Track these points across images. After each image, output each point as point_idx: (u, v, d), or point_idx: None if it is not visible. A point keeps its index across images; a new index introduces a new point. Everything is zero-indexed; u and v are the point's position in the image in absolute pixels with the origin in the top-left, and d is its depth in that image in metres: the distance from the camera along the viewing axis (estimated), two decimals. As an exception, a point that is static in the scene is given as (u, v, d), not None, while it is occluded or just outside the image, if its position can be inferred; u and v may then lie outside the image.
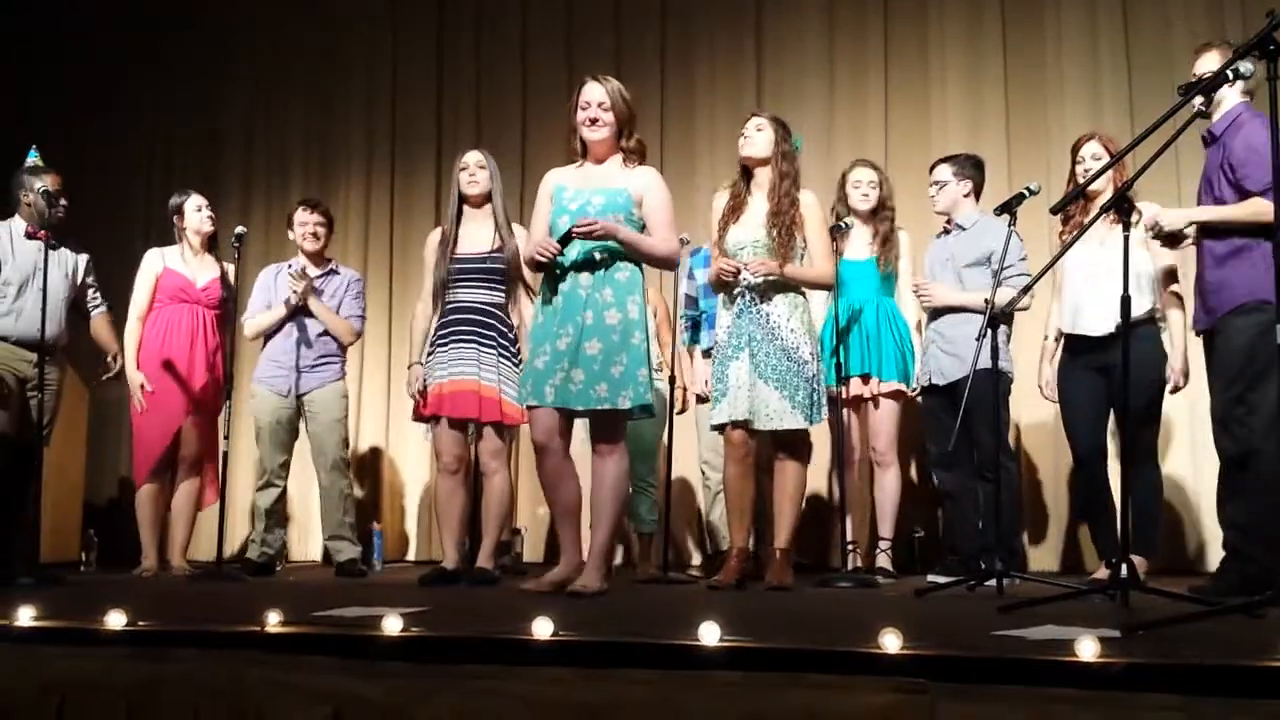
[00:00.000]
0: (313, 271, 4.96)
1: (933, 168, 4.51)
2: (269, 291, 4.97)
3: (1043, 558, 5.14)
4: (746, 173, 4.03)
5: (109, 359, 4.73)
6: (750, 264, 3.86)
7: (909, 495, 5.40)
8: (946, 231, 4.45)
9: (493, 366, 4.12)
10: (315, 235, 4.95)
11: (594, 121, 3.55)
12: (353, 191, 6.62)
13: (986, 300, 3.63)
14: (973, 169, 4.44)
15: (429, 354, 4.22)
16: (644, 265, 3.58)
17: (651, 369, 3.57)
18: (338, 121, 6.75)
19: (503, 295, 4.21)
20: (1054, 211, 3.54)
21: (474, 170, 4.25)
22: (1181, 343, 3.92)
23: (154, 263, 4.84)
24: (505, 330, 4.18)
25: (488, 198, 4.26)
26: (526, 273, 4.11)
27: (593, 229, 3.40)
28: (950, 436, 3.93)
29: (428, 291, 4.28)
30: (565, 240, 3.44)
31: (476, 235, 4.23)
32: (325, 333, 4.91)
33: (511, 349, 4.18)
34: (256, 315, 4.91)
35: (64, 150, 6.16)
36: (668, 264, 3.72)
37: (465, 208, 4.27)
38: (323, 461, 4.93)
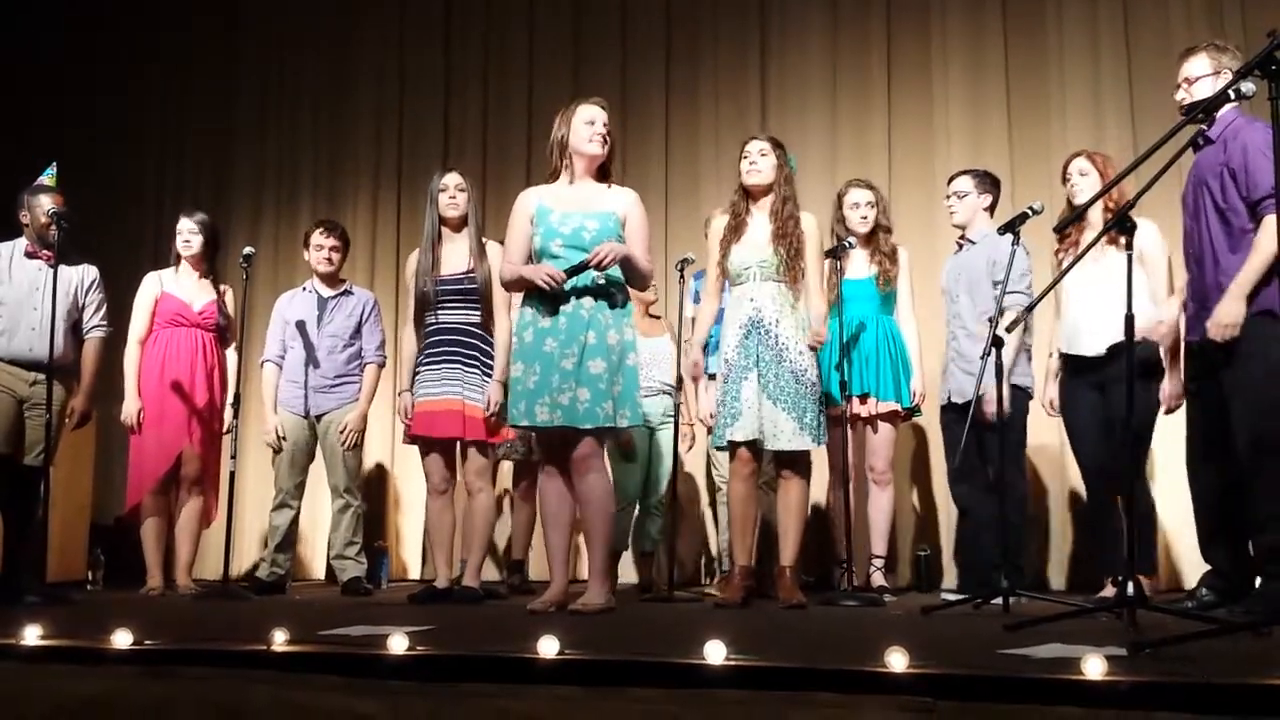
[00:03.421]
0: (327, 292, 5.00)
1: (951, 179, 4.52)
2: (282, 323, 5.02)
3: (1050, 576, 5.13)
4: (745, 194, 4.05)
5: (70, 401, 4.43)
6: (819, 336, 3.92)
7: (916, 514, 5.41)
8: (960, 248, 4.46)
9: (477, 386, 4.15)
10: (330, 260, 5.00)
11: (604, 139, 3.62)
12: (360, 210, 6.66)
13: (990, 319, 3.63)
14: (991, 184, 4.47)
15: (415, 374, 4.24)
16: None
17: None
18: (346, 140, 6.80)
19: (480, 314, 4.22)
20: (1057, 231, 3.55)
21: (454, 192, 4.27)
22: (1176, 368, 3.90)
23: (152, 287, 4.84)
24: (487, 349, 4.20)
25: (465, 220, 4.29)
26: (500, 293, 4.15)
27: (608, 258, 3.44)
28: (964, 453, 3.92)
29: (412, 317, 4.31)
30: (575, 271, 3.48)
31: (454, 256, 4.26)
32: (344, 353, 4.94)
33: (492, 367, 4.19)
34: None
35: (72, 167, 6.20)
36: (645, 284, 3.81)
37: (443, 229, 4.29)
38: (336, 481, 4.95)
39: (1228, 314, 3.27)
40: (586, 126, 3.61)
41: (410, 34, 6.77)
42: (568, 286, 3.51)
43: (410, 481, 6.30)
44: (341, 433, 4.87)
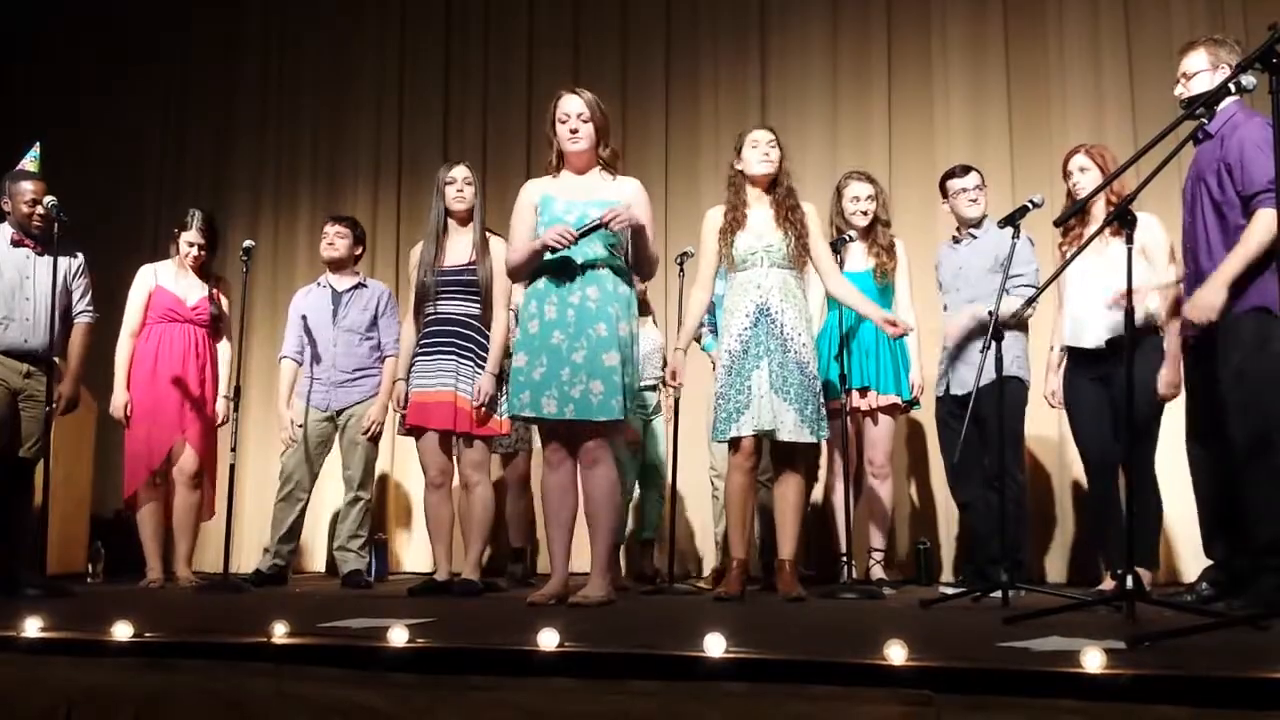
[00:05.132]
0: (340, 285, 4.99)
1: (966, 173, 4.39)
2: (298, 318, 5.02)
3: (1050, 569, 5.13)
4: (744, 185, 4.02)
5: (57, 388, 4.35)
6: (897, 323, 3.95)
7: (915, 507, 5.41)
8: (957, 240, 4.45)
9: (469, 378, 4.14)
10: (333, 245, 5.00)
11: (574, 132, 3.60)
12: (360, 205, 6.64)
13: (990, 312, 3.63)
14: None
15: (412, 365, 4.23)
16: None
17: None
18: (346, 135, 6.79)
19: (479, 307, 4.21)
20: (1057, 224, 3.54)
21: (462, 185, 4.26)
22: (1175, 353, 3.90)
23: (146, 280, 4.83)
24: (483, 341, 4.20)
25: (472, 213, 4.27)
26: (499, 286, 4.15)
27: (622, 218, 3.44)
28: (962, 447, 3.91)
29: (413, 308, 4.30)
30: (587, 232, 3.47)
31: (457, 248, 4.25)
32: (363, 346, 4.95)
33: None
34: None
35: (71, 159, 6.21)
36: (652, 271, 3.80)
37: (449, 222, 4.27)
38: (352, 474, 4.97)
39: (1207, 298, 3.26)
40: (560, 123, 3.62)
41: (410, 29, 6.76)
42: (577, 259, 3.51)
43: (411, 474, 6.30)
44: (365, 427, 4.88)
